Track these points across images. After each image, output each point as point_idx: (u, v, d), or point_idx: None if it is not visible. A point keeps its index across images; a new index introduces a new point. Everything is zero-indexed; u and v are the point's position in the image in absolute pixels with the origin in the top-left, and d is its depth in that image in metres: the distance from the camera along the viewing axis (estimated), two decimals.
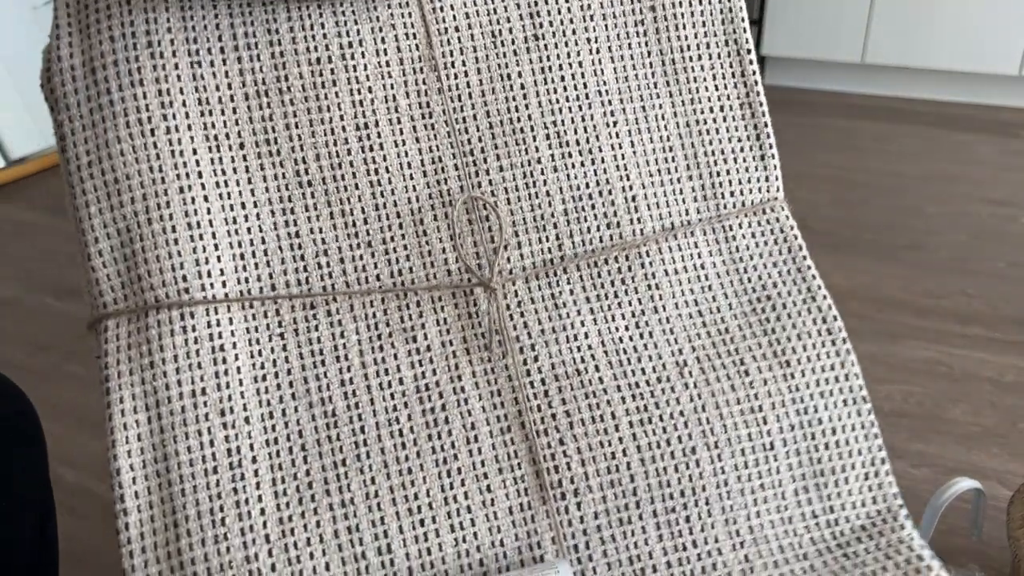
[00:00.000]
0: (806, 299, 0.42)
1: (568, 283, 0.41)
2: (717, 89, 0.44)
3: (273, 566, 0.33)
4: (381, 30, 0.41)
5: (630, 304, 0.41)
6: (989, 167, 2.03)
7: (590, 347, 0.40)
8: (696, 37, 0.43)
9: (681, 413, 0.38)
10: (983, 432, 1.13)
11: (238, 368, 0.37)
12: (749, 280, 0.43)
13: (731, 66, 0.44)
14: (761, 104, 0.44)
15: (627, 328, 0.40)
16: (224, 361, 0.37)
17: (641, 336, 0.40)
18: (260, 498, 0.36)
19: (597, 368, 0.39)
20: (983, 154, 2.12)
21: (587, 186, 0.42)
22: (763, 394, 0.39)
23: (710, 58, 0.44)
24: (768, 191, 0.44)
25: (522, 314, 0.40)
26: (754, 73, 0.44)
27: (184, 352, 0.37)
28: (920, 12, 2.40)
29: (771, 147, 0.44)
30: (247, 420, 0.37)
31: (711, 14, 0.44)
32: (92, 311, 0.39)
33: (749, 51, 0.44)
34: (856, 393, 0.41)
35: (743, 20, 0.44)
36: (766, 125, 0.44)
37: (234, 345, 0.38)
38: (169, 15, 0.39)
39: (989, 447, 1.10)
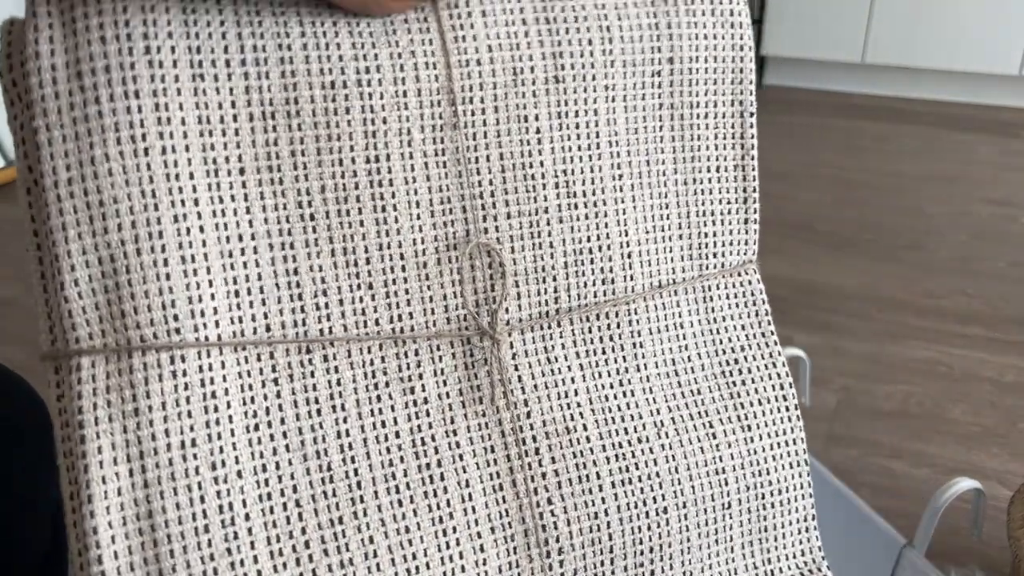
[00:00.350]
0: (767, 364, 0.43)
1: (560, 337, 0.40)
2: (717, 149, 0.43)
3: None
4: (400, 56, 0.38)
5: (616, 362, 0.40)
6: (989, 167, 2.03)
7: (579, 404, 0.39)
8: (706, 95, 0.43)
9: (657, 474, 0.39)
10: (983, 432, 1.13)
11: (230, 417, 0.34)
12: (721, 342, 0.43)
13: (733, 127, 0.43)
14: (754, 169, 0.44)
15: (612, 386, 0.40)
16: (216, 410, 0.34)
17: (625, 395, 0.40)
18: (256, 559, 0.33)
19: (585, 427, 0.39)
20: (983, 154, 2.12)
21: (588, 239, 0.41)
22: (727, 456, 0.40)
23: (716, 116, 0.43)
24: (746, 254, 0.44)
25: (516, 367, 0.39)
26: (753, 136, 0.43)
27: (174, 399, 0.33)
28: (920, 12, 2.40)
29: (755, 211, 0.44)
30: (239, 474, 0.34)
31: (723, 72, 0.43)
32: (56, 345, 0.34)
33: (752, 114, 0.43)
34: (800, 456, 0.42)
35: (751, 83, 0.43)
36: (755, 190, 0.43)
37: (226, 392, 0.34)
38: (170, 17, 0.35)
39: (989, 447, 1.10)
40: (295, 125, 0.37)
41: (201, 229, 0.36)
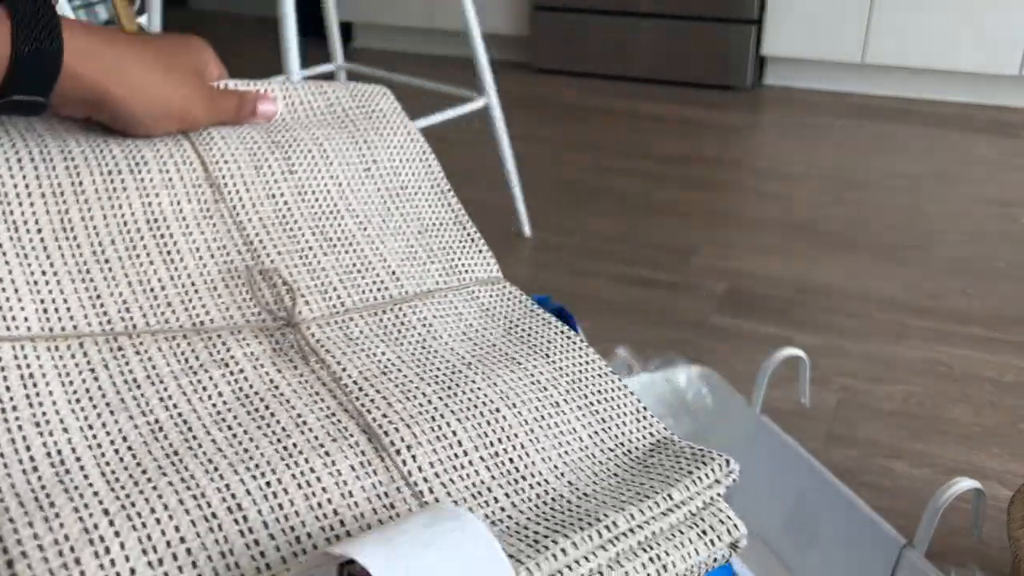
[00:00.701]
0: (544, 323, 0.50)
1: (356, 326, 0.46)
2: (433, 213, 0.55)
3: (117, 533, 0.31)
4: (163, 156, 0.48)
5: (413, 338, 0.46)
6: (989, 167, 2.03)
7: (389, 359, 0.43)
8: (410, 183, 0.56)
9: (479, 388, 0.42)
10: (983, 432, 1.13)
11: (50, 392, 0.36)
12: (498, 319, 0.50)
13: (439, 201, 0.56)
14: (468, 222, 0.56)
15: (415, 352, 0.45)
16: (35, 385, 0.36)
17: (428, 353, 0.45)
18: (91, 484, 0.34)
19: (400, 370, 0.43)
20: (983, 154, 2.12)
21: (353, 265, 0.49)
22: (536, 373, 0.45)
23: (421, 196, 0.55)
24: (491, 273, 0.54)
25: (322, 344, 0.43)
26: (458, 204, 0.56)
27: None
28: (920, 12, 2.40)
29: (484, 246, 0.55)
30: (65, 429, 0.35)
31: (415, 174, 0.57)
32: None
33: (450, 190, 0.57)
34: (605, 369, 0.47)
35: (441, 174, 0.57)
36: (476, 232, 0.56)
37: (44, 375, 0.37)
38: None
39: (989, 447, 1.10)
40: (82, 200, 0.46)
41: (6, 262, 0.42)
